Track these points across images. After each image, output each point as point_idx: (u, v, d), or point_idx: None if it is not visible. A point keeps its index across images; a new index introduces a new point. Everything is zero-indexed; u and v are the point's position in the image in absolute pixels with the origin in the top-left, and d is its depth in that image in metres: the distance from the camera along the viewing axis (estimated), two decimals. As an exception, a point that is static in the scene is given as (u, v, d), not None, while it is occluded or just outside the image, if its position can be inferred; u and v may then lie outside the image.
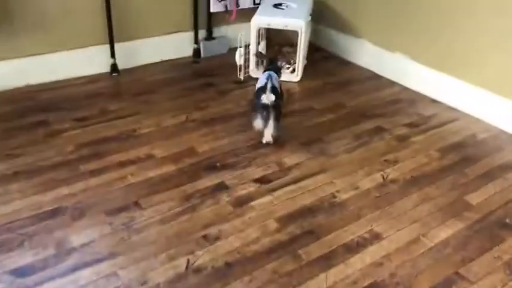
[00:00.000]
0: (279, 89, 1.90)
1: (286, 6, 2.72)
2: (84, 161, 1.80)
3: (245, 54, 2.60)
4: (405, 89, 2.59)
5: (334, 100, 2.46)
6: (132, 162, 1.81)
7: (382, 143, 2.05)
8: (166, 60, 2.80)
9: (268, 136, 1.91)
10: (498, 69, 2.20)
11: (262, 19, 2.60)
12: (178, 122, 2.14)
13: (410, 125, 2.20)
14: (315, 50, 3.03)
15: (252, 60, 2.64)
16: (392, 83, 2.67)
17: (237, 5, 2.99)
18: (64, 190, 1.64)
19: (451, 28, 2.37)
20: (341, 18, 3.02)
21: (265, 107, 1.82)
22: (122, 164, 1.79)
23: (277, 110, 1.85)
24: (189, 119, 2.17)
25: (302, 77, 2.70)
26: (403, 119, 2.26)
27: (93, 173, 1.74)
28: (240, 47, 2.57)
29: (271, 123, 1.84)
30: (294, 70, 2.75)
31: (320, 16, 3.07)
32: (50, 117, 2.11)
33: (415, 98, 2.49)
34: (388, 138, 2.09)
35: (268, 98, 1.80)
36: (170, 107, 2.28)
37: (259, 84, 1.94)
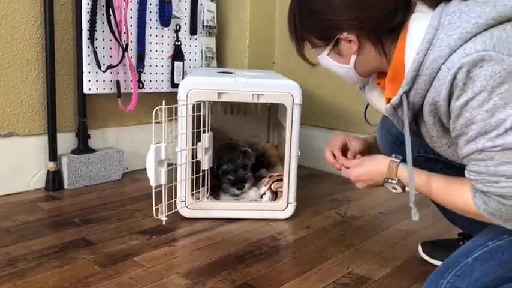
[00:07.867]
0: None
1: (242, 74, 1.33)
2: None
3: (172, 162, 1.09)
4: None
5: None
6: None
7: None
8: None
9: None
10: None
11: (208, 82, 1.17)
12: None
13: None
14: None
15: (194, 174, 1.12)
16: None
17: (140, 83, 1.54)
18: None
19: None
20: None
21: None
22: None
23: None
24: None
25: (296, 210, 1.23)
26: None
27: None
28: (158, 143, 1.06)
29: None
30: (276, 195, 1.27)
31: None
32: None
33: None
34: None
35: None
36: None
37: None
